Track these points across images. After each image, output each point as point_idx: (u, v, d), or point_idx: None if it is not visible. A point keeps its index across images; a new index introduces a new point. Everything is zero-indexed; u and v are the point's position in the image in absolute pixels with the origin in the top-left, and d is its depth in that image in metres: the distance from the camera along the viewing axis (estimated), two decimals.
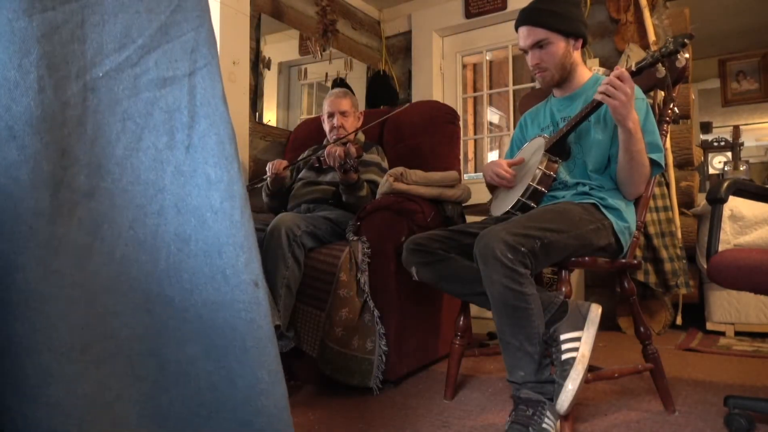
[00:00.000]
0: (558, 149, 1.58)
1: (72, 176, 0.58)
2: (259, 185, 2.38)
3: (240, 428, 0.64)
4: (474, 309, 1.78)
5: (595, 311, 1.32)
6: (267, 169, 2.24)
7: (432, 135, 2.43)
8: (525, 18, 1.63)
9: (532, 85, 3.49)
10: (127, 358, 0.61)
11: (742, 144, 4.83)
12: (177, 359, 0.64)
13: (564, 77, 1.66)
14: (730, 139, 4.88)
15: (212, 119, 0.66)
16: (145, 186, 0.64)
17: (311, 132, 2.72)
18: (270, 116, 3.14)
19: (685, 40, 1.36)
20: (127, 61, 0.63)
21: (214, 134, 0.66)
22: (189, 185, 0.64)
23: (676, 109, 1.61)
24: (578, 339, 1.27)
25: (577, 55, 1.65)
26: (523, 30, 1.63)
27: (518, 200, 1.57)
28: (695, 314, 2.93)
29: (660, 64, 1.42)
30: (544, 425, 1.24)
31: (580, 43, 1.64)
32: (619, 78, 1.37)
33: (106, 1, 0.62)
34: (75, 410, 0.56)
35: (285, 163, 2.23)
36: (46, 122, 0.57)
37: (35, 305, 0.55)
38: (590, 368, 1.34)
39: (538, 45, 1.61)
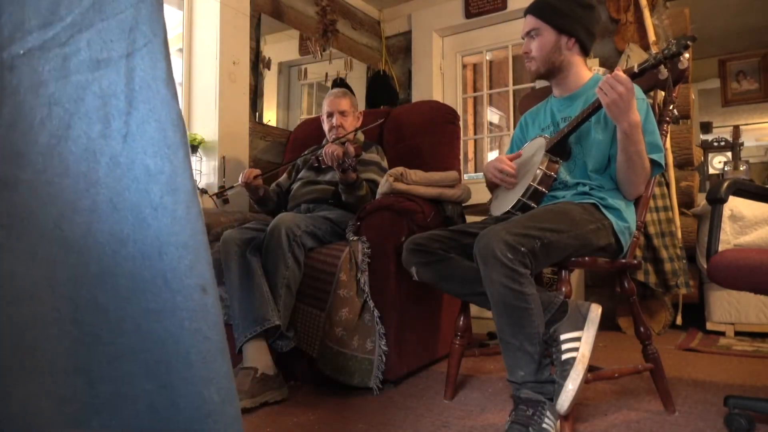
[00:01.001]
0: (559, 149, 1.58)
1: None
2: (226, 193, 2.36)
3: None
4: (474, 309, 1.78)
5: (595, 311, 1.32)
6: (239, 179, 2.24)
7: (432, 135, 2.43)
8: (529, 7, 1.69)
9: (532, 85, 3.49)
10: (50, 375, 0.54)
11: (742, 144, 4.83)
12: (110, 377, 0.56)
13: (550, 71, 1.67)
14: (730, 139, 4.87)
15: (152, 104, 0.59)
16: (75, 179, 0.56)
17: (311, 132, 2.73)
18: (270, 116, 3.14)
19: (688, 41, 1.36)
20: (54, 39, 0.56)
21: (154, 120, 0.58)
22: (126, 178, 0.57)
23: (675, 111, 1.61)
24: (578, 339, 1.27)
25: (572, 55, 1.65)
26: (525, 18, 1.69)
27: (518, 200, 1.57)
28: (695, 314, 2.93)
29: (662, 66, 1.42)
30: (544, 425, 1.24)
31: (573, 42, 1.64)
32: (615, 77, 1.38)
33: None
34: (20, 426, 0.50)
35: (256, 171, 2.23)
36: None
37: None
38: (590, 368, 1.34)
39: (531, 34, 1.66)
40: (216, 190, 2.68)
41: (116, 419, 0.56)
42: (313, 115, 3.12)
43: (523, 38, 1.70)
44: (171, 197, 0.58)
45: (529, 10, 1.68)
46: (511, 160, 1.67)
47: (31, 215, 0.54)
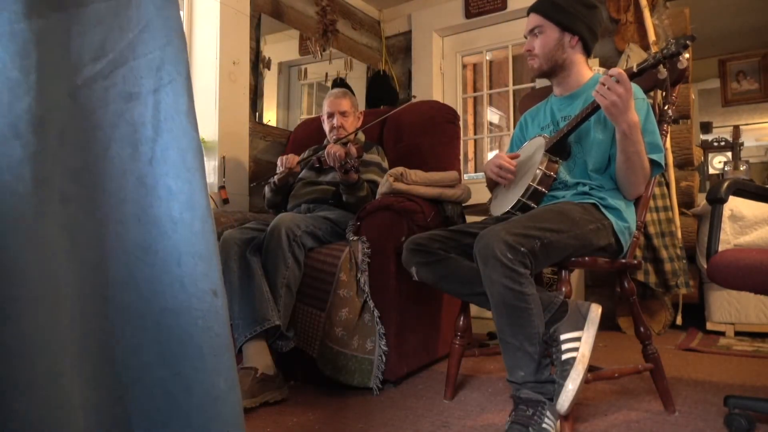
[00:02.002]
0: (558, 149, 1.58)
1: (56, 179, 0.59)
2: (271, 180, 2.36)
3: None
4: (474, 309, 1.78)
5: (595, 311, 1.32)
6: (279, 164, 2.23)
7: (432, 135, 2.43)
8: (533, 4, 1.69)
9: (532, 85, 3.49)
10: (89, 364, 0.62)
11: (742, 144, 4.83)
12: (132, 366, 0.64)
13: (552, 69, 1.67)
14: (730, 139, 4.88)
15: (174, 133, 0.68)
16: (109, 195, 0.65)
17: (311, 132, 2.73)
18: (270, 116, 3.14)
19: (687, 41, 1.36)
20: (100, 73, 0.66)
21: (176, 147, 0.68)
22: (150, 196, 0.66)
23: (670, 111, 1.61)
24: (578, 339, 1.27)
25: (574, 53, 1.65)
26: (529, 16, 1.69)
27: (518, 200, 1.57)
28: (695, 314, 2.93)
29: (661, 66, 1.42)
30: (544, 425, 1.24)
31: (576, 40, 1.64)
32: (614, 78, 1.37)
33: (87, 14, 0.65)
34: (61, 412, 0.56)
35: (297, 158, 2.23)
36: (43, 124, 0.58)
37: (34, 306, 0.55)
38: (590, 368, 1.34)
39: (534, 32, 1.66)
40: (216, 190, 2.68)
41: (137, 402, 0.64)
42: (313, 115, 3.12)
43: (525, 36, 1.70)
44: (189, 213, 0.67)
45: (533, 8, 1.68)
46: (511, 158, 1.67)
47: (81, 226, 0.62)
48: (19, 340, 0.54)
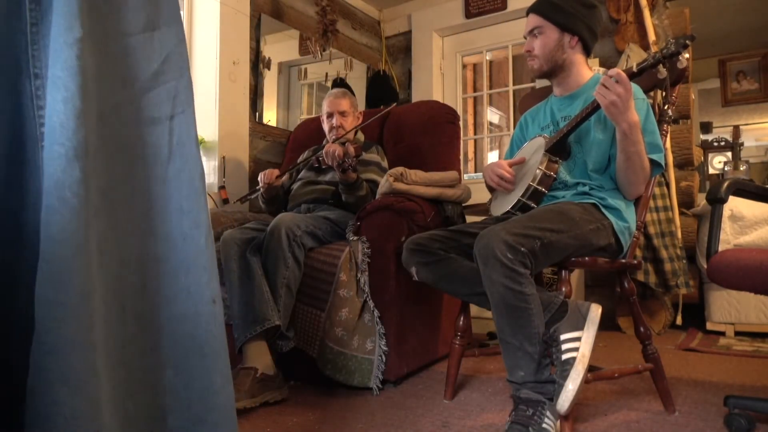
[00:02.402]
0: (558, 149, 1.58)
1: (92, 195, 0.66)
2: (253, 196, 2.41)
3: (195, 425, 0.72)
4: (474, 309, 1.78)
5: (595, 311, 1.32)
6: (259, 179, 2.25)
7: (432, 135, 2.43)
8: (532, 5, 1.69)
9: (532, 85, 3.49)
10: (107, 366, 0.67)
11: (742, 144, 4.83)
12: (141, 367, 0.71)
13: (553, 70, 1.67)
14: (730, 139, 4.88)
15: (186, 158, 0.75)
16: (129, 211, 0.72)
17: (311, 132, 2.73)
18: (270, 116, 3.14)
19: (687, 41, 1.36)
20: (128, 98, 0.73)
21: (187, 171, 0.75)
22: (164, 213, 0.73)
23: (670, 111, 1.61)
24: (578, 339, 1.27)
25: (574, 53, 1.65)
26: (528, 17, 1.69)
27: (518, 200, 1.57)
28: (695, 314, 2.93)
29: (661, 65, 1.42)
30: (544, 425, 1.24)
31: (576, 40, 1.64)
32: (614, 78, 1.37)
33: (120, 43, 0.72)
34: (97, 406, 0.63)
35: (277, 172, 2.24)
36: (90, 148, 0.65)
37: (76, 310, 0.61)
38: (590, 368, 1.34)
39: (533, 32, 1.66)
40: (217, 190, 2.68)
41: (144, 400, 0.71)
42: (313, 115, 3.12)
43: (525, 37, 1.70)
44: (197, 230, 0.74)
45: (532, 9, 1.68)
46: (511, 166, 1.67)
47: (106, 238, 0.68)
48: (64, 339, 0.60)
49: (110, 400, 0.65)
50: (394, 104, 2.41)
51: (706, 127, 5.26)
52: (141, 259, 0.72)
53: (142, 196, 0.73)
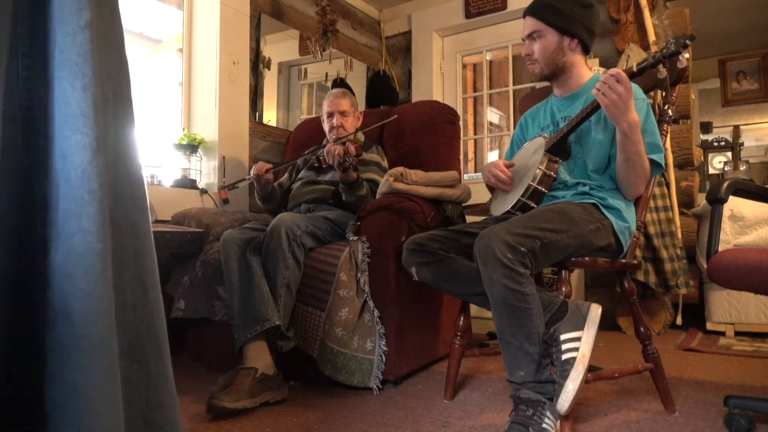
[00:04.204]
0: (558, 149, 1.58)
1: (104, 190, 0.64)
2: (240, 185, 2.41)
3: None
4: (474, 309, 1.78)
5: (595, 311, 1.32)
6: (250, 172, 2.24)
7: (432, 135, 2.43)
8: (528, 8, 1.67)
9: (532, 85, 3.49)
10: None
11: (742, 144, 4.83)
12: (132, 380, 0.68)
13: (554, 73, 1.66)
14: (730, 139, 4.87)
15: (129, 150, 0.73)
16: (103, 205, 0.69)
17: (311, 132, 2.73)
18: (270, 116, 3.14)
19: (687, 41, 1.36)
20: (120, 85, 0.70)
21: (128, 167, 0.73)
22: (113, 200, 0.70)
23: (670, 111, 1.61)
24: (578, 339, 1.27)
25: (574, 55, 1.65)
26: (525, 19, 1.68)
27: (518, 200, 1.57)
28: (695, 314, 2.93)
29: (661, 65, 1.42)
30: (544, 425, 1.24)
31: (575, 42, 1.63)
32: (615, 77, 1.37)
33: (117, 27, 0.70)
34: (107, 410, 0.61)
35: (268, 165, 2.23)
36: (101, 146, 0.63)
37: (100, 305, 0.60)
38: (590, 368, 1.34)
39: (532, 36, 1.65)
40: (216, 190, 2.68)
41: (134, 414, 0.68)
42: (313, 115, 3.12)
43: (523, 40, 1.69)
44: (143, 215, 0.71)
45: (529, 12, 1.66)
46: (508, 167, 1.67)
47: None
48: (79, 336, 0.58)
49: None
50: (395, 116, 2.42)
51: (706, 127, 5.26)
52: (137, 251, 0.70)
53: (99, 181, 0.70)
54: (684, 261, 2.64)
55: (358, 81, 3.73)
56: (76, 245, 0.59)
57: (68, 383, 0.58)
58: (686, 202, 2.94)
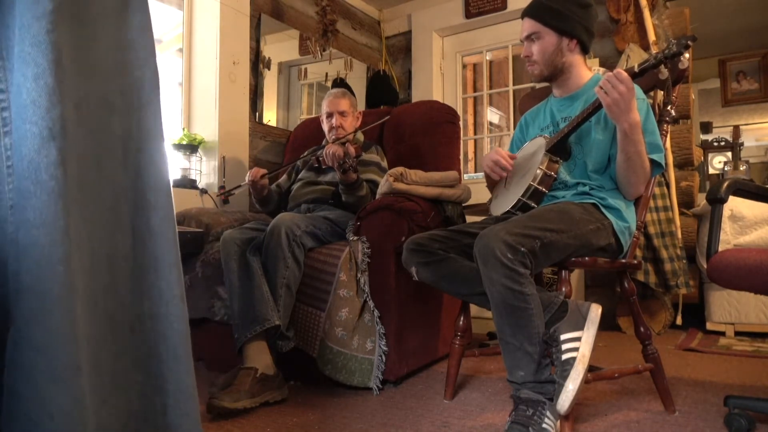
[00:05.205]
0: (559, 149, 1.58)
1: (70, 181, 0.62)
2: (236, 192, 2.42)
3: None
4: (474, 309, 1.78)
5: (595, 311, 1.32)
6: (246, 178, 2.25)
7: (432, 135, 2.43)
8: (526, 9, 1.67)
9: (531, 85, 3.49)
10: (86, 366, 0.64)
11: (742, 144, 4.83)
12: (111, 371, 0.67)
13: (553, 74, 1.66)
14: (730, 139, 4.87)
15: (153, 151, 0.73)
16: (99, 203, 0.68)
17: (311, 132, 2.73)
18: (270, 116, 3.14)
19: (689, 42, 1.36)
20: (96, 87, 0.69)
21: (154, 164, 0.72)
22: (132, 206, 0.70)
23: (672, 111, 1.61)
24: (578, 339, 1.27)
25: (573, 55, 1.65)
26: (523, 21, 1.67)
27: (519, 200, 1.57)
28: (695, 314, 2.93)
29: (663, 66, 1.42)
30: (544, 425, 1.24)
31: (574, 43, 1.63)
32: (617, 77, 1.37)
33: (92, 30, 0.68)
34: (86, 405, 0.60)
35: (263, 171, 2.23)
36: (69, 128, 0.62)
37: (70, 298, 0.58)
38: (590, 368, 1.34)
39: (531, 38, 1.64)
40: (217, 190, 2.68)
41: (116, 406, 0.66)
42: (313, 115, 3.12)
43: (521, 41, 1.69)
44: (166, 225, 0.71)
45: (527, 13, 1.66)
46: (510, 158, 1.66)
47: (78, 231, 0.64)
48: (50, 333, 0.57)
49: (78, 409, 0.61)
50: (388, 117, 2.43)
51: (706, 127, 5.25)
52: (109, 254, 0.68)
53: (111, 188, 0.69)
54: (684, 261, 2.64)
55: (358, 81, 3.73)
56: (21, 238, 0.57)
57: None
58: (686, 202, 2.94)
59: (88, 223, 0.66)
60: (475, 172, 4.12)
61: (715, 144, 5.02)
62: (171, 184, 0.74)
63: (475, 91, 4.14)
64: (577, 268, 1.58)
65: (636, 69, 1.43)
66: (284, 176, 2.48)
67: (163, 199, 0.71)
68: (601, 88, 1.40)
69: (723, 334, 2.73)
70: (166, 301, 0.69)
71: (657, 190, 2.67)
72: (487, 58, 3.86)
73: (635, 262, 1.57)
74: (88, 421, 0.59)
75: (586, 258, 1.45)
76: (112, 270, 0.68)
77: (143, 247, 0.69)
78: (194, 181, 2.67)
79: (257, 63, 3.00)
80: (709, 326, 2.77)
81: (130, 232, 0.68)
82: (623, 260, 1.55)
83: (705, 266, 1.88)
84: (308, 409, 1.63)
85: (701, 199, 2.90)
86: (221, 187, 2.54)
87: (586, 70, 1.70)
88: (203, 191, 2.63)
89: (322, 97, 2.46)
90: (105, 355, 0.66)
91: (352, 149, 1.98)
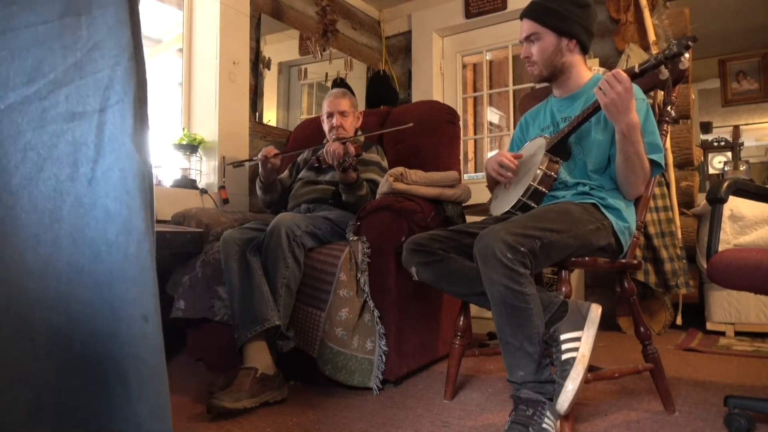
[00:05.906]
0: (559, 149, 1.58)
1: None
2: (247, 164, 2.46)
3: None
4: (474, 309, 1.78)
5: (595, 311, 1.32)
6: (259, 155, 2.24)
7: (432, 135, 2.43)
8: (525, 10, 1.67)
9: (531, 85, 3.49)
10: (3, 382, 0.61)
11: (742, 144, 4.82)
12: (55, 389, 0.63)
13: (553, 74, 1.66)
14: (730, 139, 4.87)
15: (117, 154, 0.67)
16: (41, 215, 0.64)
17: (311, 132, 2.73)
18: (270, 116, 3.14)
19: (689, 42, 1.36)
20: (35, 94, 0.65)
21: (118, 169, 0.67)
22: (87, 217, 0.66)
23: (672, 112, 1.61)
24: (578, 339, 1.27)
25: (572, 55, 1.65)
26: (522, 21, 1.67)
27: (519, 200, 1.57)
28: (695, 314, 2.93)
29: (663, 66, 1.42)
30: (544, 425, 1.24)
31: (574, 43, 1.63)
32: (615, 77, 1.38)
33: (20, 38, 0.64)
34: None
35: (276, 150, 2.23)
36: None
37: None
38: (590, 368, 1.34)
39: (530, 38, 1.64)
40: (216, 190, 2.68)
41: (59, 427, 0.63)
42: (313, 115, 3.12)
43: (521, 42, 1.69)
44: (125, 237, 0.66)
45: (526, 14, 1.65)
46: (514, 158, 1.67)
47: (9, 247, 0.61)
48: None
49: (15, 424, 0.58)
50: (411, 124, 2.44)
51: (706, 127, 5.25)
52: (57, 268, 0.64)
53: (60, 198, 0.64)
54: (684, 261, 2.64)
55: (358, 81, 3.73)
56: None
57: None
58: (686, 202, 2.94)
59: (12, 236, 0.63)
60: (475, 172, 4.12)
61: (715, 144, 5.01)
62: (142, 189, 0.69)
63: (475, 91, 4.14)
64: (577, 268, 1.58)
65: (636, 69, 1.43)
66: (286, 172, 2.48)
67: (124, 208, 0.66)
68: (600, 88, 1.40)
69: (723, 334, 2.72)
70: (119, 320, 0.65)
71: (657, 190, 2.67)
72: (487, 58, 3.86)
73: (635, 262, 1.57)
74: None
75: (586, 258, 1.46)
76: (59, 284, 0.65)
77: (99, 261, 0.65)
78: (194, 181, 2.67)
79: (257, 63, 3.00)
80: (709, 326, 2.77)
81: (85, 244, 0.65)
82: (623, 260, 1.55)
83: (705, 266, 1.88)
84: (308, 409, 1.63)
85: (701, 199, 2.90)
86: (229, 162, 2.61)
87: (586, 70, 1.70)
88: (203, 191, 2.63)
89: (322, 97, 2.46)
90: (48, 370, 0.64)
91: (352, 148, 1.98)
